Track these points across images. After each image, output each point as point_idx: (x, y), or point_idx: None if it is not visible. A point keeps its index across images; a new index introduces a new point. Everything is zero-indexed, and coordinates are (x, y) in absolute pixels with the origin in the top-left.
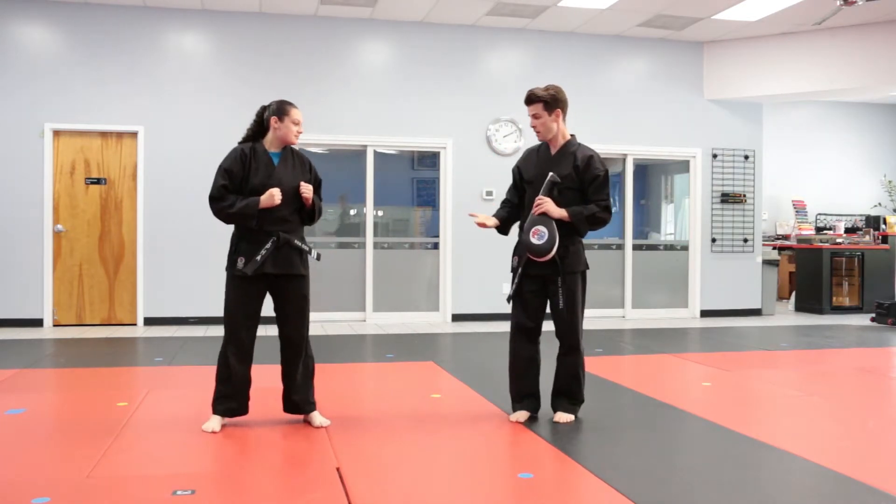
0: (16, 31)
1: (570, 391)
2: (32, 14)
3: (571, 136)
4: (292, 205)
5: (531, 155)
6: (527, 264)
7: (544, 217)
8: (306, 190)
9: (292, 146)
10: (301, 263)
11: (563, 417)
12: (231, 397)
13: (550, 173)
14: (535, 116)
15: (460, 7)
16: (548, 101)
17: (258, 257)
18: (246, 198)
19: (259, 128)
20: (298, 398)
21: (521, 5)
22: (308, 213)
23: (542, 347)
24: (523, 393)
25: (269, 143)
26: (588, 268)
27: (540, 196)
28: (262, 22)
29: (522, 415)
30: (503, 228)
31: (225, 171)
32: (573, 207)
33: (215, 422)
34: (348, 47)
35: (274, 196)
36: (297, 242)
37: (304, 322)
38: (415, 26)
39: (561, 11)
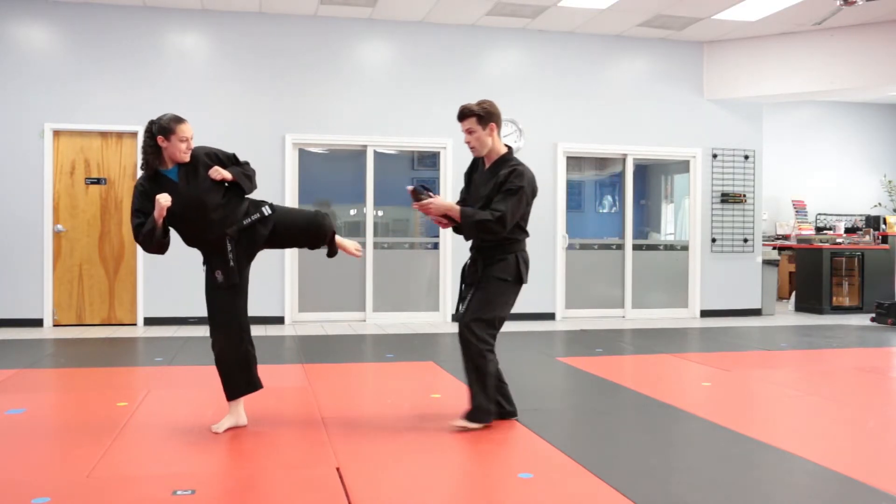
0: (16, 31)
1: (469, 393)
2: (32, 14)
3: (508, 148)
4: (216, 203)
5: (472, 170)
6: (463, 273)
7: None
8: (214, 172)
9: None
10: (264, 226)
11: (457, 423)
12: (254, 374)
13: (412, 185)
14: (468, 132)
15: (460, 7)
16: (481, 116)
17: (231, 263)
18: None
19: (154, 142)
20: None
21: (521, 5)
22: (240, 189)
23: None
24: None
25: (164, 161)
26: (522, 282)
27: (429, 199)
28: (262, 22)
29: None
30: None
31: (136, 211)
32: (466, 208)
33: (228, 419)
34: (348, 47)
35: (160, 202)
36: (247, 221)
37: (292, 212)
38: (415, 26)
39: (561, 11)
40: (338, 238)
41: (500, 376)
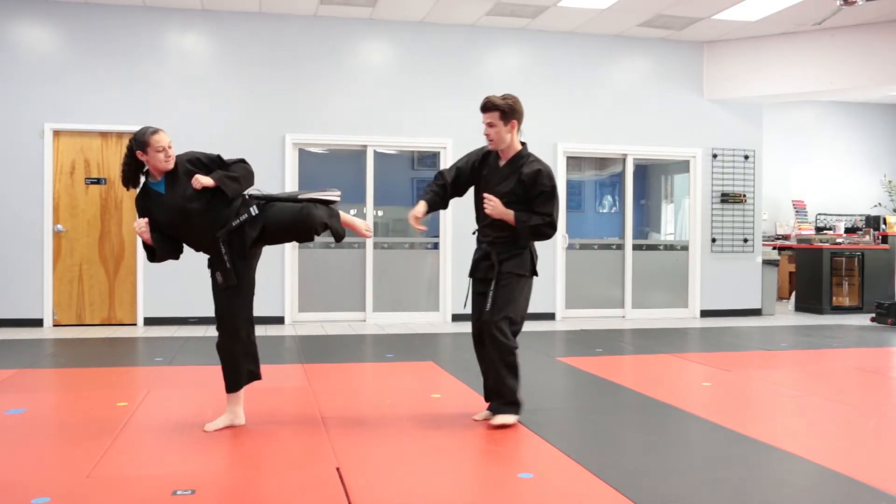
0: (16, 32)
1: (497, 390)
2: (32, 14)
3: (523, 144)
4: (199, 209)
5: (483, 161)
6: (474, 268)
7: None
8: (194, 181)
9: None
10: (252, 227)
11: (497, 420)
12: (253, 367)
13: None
14: (489, 125)
15: (460, 7)
16: (505, 111)
17: (227, 265)
18: (161, 239)
19: (134, 159)
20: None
21: (521, 5)
22: (224, 192)
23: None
24: (487, 394)
25: (153, 173)
26: (535, 274)
27: (489, 196)
28: (262, 22)
29: (484, 414)
30: (432, 210)
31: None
32: (519, 213)
33: (223, 419)
34: (348, 47)
35: (135, 229)
36: (236, 223)
37: (281, 210)
38: (415, 26)
39: (561, 11)
40: (346, 217)
41: None
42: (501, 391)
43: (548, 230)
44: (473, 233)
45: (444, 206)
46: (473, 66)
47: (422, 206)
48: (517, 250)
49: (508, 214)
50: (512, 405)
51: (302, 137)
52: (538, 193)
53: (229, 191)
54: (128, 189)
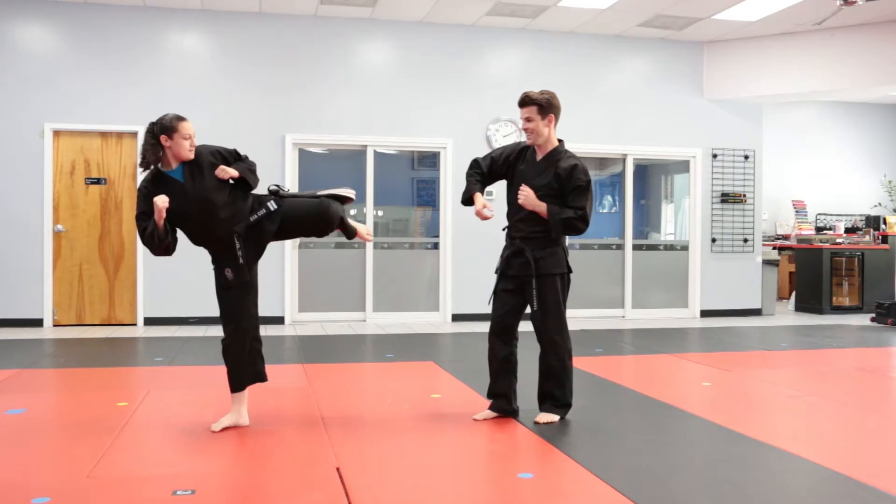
0: (16, 31)
1: (550, 393)
2: (32, 14)
3: (560, 141)
4: (224, 201)
5: (520, 156)
6: (506, 264)
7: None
8: (220, 171)
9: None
10: (271, 221)
11: (543, 418)
12: (259, 367)
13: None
14: (527, 119)
15: (460, 7)
16: (542, 106)
17: (240, 261)
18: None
19: (156, 140)
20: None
21: (521, 5)
22: (244, 182)
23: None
24: (494, 393)
25: (168, 161)
26: (570, 270)
27: (523, 186)
28: (262, 22)
29: (485, 414)
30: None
31: (140, 214)
32: (552, 206)
33: (228, 418)
34: (348, 47)
35: (157, 204)
36: (254, 217)
37: (298, 204)
38: (415, 26)
39: (561, 11)
40: (349, 221)
41: (515, 371)
42: (556, 394)
43: (580, 224)
44: (504, 228)
45: (483, 193)
46: (473, 66)
47: (480, 199)
48: (552, 247)
49: (541, 206)
50: (565, 407)
51: (302, 137)
52: (573, 187)
53: (252, 183)
54: (146, 170)
